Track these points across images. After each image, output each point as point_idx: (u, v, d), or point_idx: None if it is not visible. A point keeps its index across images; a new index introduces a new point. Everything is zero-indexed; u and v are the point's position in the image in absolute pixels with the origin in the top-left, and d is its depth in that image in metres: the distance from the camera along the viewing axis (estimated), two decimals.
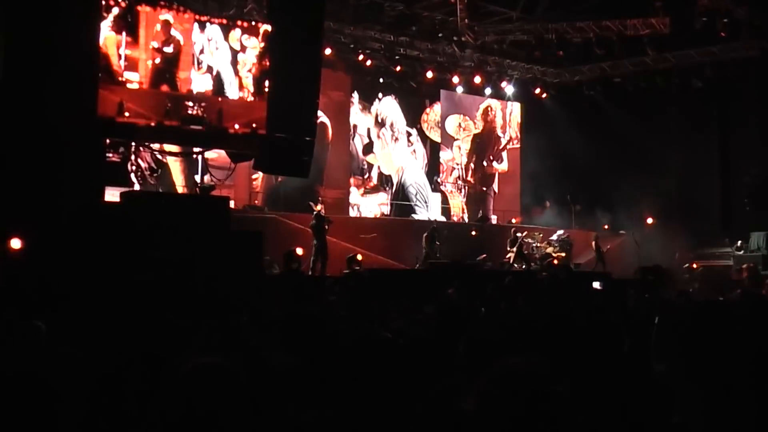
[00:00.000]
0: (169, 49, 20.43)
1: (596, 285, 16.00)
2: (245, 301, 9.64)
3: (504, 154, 30.45)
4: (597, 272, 23.31)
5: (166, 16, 20.22)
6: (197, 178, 20.56)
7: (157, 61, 19.19)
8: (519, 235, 24.01)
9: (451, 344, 4.53)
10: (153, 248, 12.63)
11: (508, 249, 23.75)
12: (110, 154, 17.05)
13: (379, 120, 27.64)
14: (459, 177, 29.40)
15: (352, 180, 26.78)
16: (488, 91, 28.78)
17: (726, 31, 21.67)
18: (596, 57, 24.89)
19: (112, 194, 15.44)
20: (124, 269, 11.94)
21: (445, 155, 29.14)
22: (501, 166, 30.37)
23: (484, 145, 30.06)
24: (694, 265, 24.86)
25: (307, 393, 3.31)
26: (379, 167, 27.51)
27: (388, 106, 27.84)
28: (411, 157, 28.27)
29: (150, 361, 3.67)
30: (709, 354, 2.11)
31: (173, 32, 20.65)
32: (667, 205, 26.41)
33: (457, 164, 29.42)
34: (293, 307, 4.23)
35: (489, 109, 30.11)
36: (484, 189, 29.90)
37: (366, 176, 27.21)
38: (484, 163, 29.95)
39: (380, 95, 27.54)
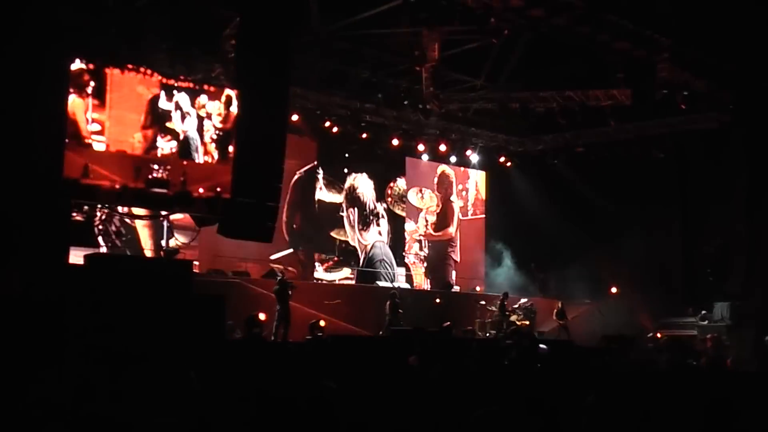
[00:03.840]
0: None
1: (542, 347, 16.24)
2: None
3: (455, 220, 30.36)
4: (561, 340, 23.35)
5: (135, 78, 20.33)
6: (163, 241, 20.41)
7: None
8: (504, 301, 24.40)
9: None
10: (115, 312, 12.49)
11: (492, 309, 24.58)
12: (74, 214, 16.89)
13: (350, 197, 27.41)
14: (421, 248, 29.32)
15: (315, 255, 26.44)
16: (453, 159, 28.98)
17: (686, 103, 22.07)
18: (559, 126, 25.22)
19: (76, 255, 15.27)
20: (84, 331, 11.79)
21: (408, 226, 28.95)
22: (456, 232, 30.28)
23: (445, 216, 30.09)
24: (659, 335, 24.92)
25: None
26: (345, 243, 27.24)
27: (362, 184, 27.70)
28: (377, 234, 28.05)
29: None
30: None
31: (140, 91, 20.71)
32: (631, 274, 26.57)
33: (420, 236, 29.28)
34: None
35: (444, 177, 30.09)
36: (445, 258, 29.81)
37: (331, 255, 26.78)
38: (442, 232, 29.92)
39: (346, 170, 27.29)
